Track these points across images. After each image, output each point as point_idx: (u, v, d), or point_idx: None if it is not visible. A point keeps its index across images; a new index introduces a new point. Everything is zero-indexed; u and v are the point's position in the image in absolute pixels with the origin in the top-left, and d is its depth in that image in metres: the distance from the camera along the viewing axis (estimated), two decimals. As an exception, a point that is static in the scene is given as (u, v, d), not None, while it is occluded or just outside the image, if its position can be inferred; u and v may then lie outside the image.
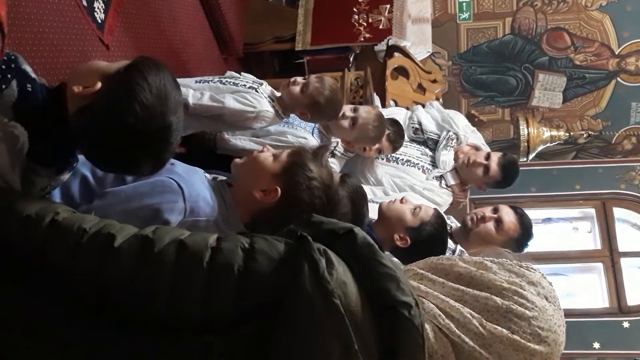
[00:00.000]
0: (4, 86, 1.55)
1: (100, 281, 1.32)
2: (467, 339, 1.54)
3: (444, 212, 3.77)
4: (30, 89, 1.61)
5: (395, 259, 2.83)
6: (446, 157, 3.94)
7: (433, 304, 1.58)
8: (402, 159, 3.93)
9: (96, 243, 1.36)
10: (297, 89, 3.07)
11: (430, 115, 4.14)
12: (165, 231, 1.38)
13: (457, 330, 1.54)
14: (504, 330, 1.54)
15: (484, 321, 1.54)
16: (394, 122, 3.76)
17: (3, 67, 1.56)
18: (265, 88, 3.17)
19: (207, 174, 2.14)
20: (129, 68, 1.60)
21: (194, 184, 1.96)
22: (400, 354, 1.33)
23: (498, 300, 1.56)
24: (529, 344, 1.54)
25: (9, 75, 1.57)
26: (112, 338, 1.32)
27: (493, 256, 1.71)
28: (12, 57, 1.61)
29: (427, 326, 1.51)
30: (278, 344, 1.27)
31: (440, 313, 1.56)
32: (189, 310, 1.30)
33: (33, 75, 1.64)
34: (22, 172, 1.61)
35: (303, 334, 1.26)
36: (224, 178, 2.21)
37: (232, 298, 1.29)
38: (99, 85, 1.58)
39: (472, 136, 4.17)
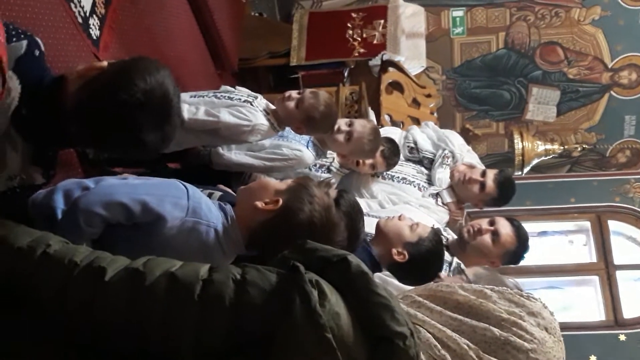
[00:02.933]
0: (15, 39, 1.59)
1: (91, 314, 1.31)
2: None
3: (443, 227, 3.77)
4: (37, 54, 1.66)
5: (393, 280, 2.83)
6: (442, 175, 3.93)
7: (430, 333, 1.55)
8: (398, 177, 3.93)
9: (87, 277, 1.35)
10: (292, 104, 3.07)
11: (425, 135, 4.15)
12: (156, 263, 1.37)
13: None
14: None
15: (481, 353, 1.52)
16: (390, 140, 3.77)
17: (20, 30, 1.63)
18: (260, 101, 3.17)
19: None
20: (126, 60, 1.71)
21: (197, 190, 1.98)
22: None
23: (496, 331, 1.54)
24: None
25: (22, 35, 1.62)
26: None
27: (493, 284, 1.69)
28: (29, 33, 1.67)
29: (422, 357, 1.49)
30: None
31: (437, 343, 1.54)
32: (181, 344, 1.29)
33: (43, 48, 1.69)
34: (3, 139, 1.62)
35: None
36: (220, 193, 2.21)
37: (223, 330, 1.28)
38: (105, 63, 1.66)
39: (467, 155, 4.17)
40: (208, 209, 1.95)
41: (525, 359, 1.53)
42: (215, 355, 1.28)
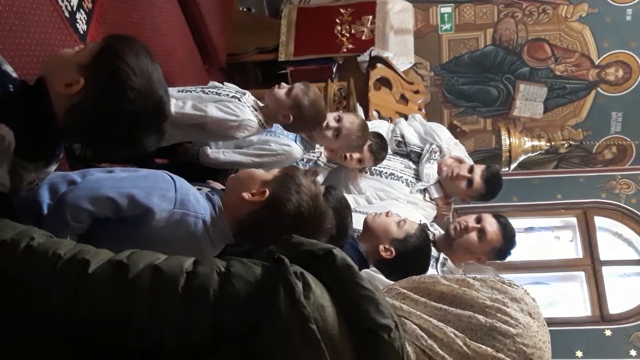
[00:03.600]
0: None
1: (74, 307, 1.31)
2: (451, 359, 1.53)
3: (430, 222, 3.79)
4: (12, 89, 1.63)
5: (380, 276, 2.83)
6: (430, 170, 3.95)
7: (416, 324, 1.56)
8: (386, 172, 3.94)
9: (70, 269, 1.34)
10: (282, 91, 3.07)
11: (412, 128, 4.16)
12: (140, 256, 1.37)
13: (440, 351, 1.52)
14: (488, 349, 1.52)
15: (468, 340, 1.53)
16: (377, 135, 3.77)
17: None
18: (248, 98, 3.16)
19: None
20: (105, 54, 1.63)
21: (184, 181, 1.98)
22: None
23: (481, 318, 1.55)
24: None
25: None
26: None
27: (475, 272, 1.71)
28: None
29: (409, 348, 1.49)
30: None
31: (423, 334, 1.54)
32: (165, 336, 1.28)
33: (14, 75, 1.66)
34: (10, 167, 1.62)
35: (278, 357, 1.25)
36: (208, 189, 2.21)
37: (208, 323, 1.28)
38: (82, 81, 1.60)
39: (455, 149, 4.19)
40: (196, 200, 1.96)
41: (512, 343, 1.54)
42: (199, 348, 1.28)
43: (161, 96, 1.68)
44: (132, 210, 1.81)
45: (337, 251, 1.38)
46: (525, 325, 1.56)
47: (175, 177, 1.95)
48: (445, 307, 1.59)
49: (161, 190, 1.86)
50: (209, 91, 3.14)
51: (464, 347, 1.52)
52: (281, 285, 1.27)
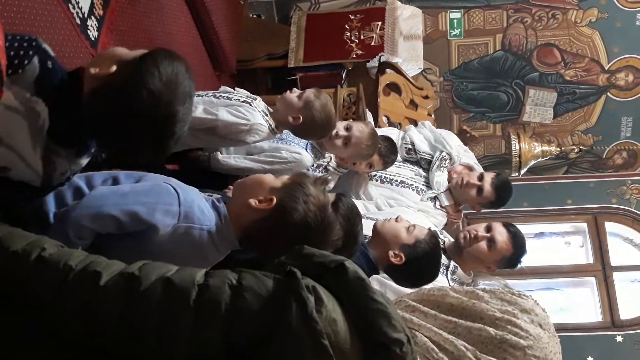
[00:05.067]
0: (26, 61, 1.58)
1: (85, 320, 1.31)
2: None
3: (440, 230, 3.78)
4: (51, 66, 1.64)
5: (390, 282, 2.82)
6: (440, 178, 3.94)
7: (426, 336, 1.55)
8: (396, 180, 3.94)
9: (82, 281, 1.34)
10: (293, 95, 3.09)
11: (422, 135, 4.16)
12: (152, 268, 1.37)
13: None
14: None
15: (479, 353, 1.52)
16: (387, 138, 3.77)
17: (24, 44, 1.60)
18: (259, 103, 3.17)
19: (200, 192, 2.14)
20: (145, 55, 1.65)
21: (189, 192, 1.97)
22: None
23: (492, 330, 1.54)
24: None
25: (30, 52, 1.60)
26: None
27: (484, 281, 1.70)
28: (33, 37, 1.65)
29: None
30: None
31: (434, 347, 1.53)
32: (176, 350, 1.28)
33: (52, 54, 1.67)
34: (43, 153, 1.63)
35: None
36: (218, 196, 2.21)
37: (219, 337, 1.28)
38: (114, 68, 1.62)
39: (464, 155, 4.19)
40: (201, 211, 1.94)
41: (522, 356, 1.53)
42: None
43: (176, 112, 1.63)
44: (135, 226, 1.81)
45: (349, 263, 1.37)
46: (535, 337, 1.55)
47: (180, 188, 1.93)
48: (455, 319, 1.58)
49: (164, 205, 1.85)
50: (220, 95, 3.15)
51: None
52: (293, 299, 1.26)
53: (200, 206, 1.96)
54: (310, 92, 3.05)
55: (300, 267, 1.31)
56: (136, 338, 1.29)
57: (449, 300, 1.62)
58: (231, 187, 3.18)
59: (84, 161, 1.80)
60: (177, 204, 1.88)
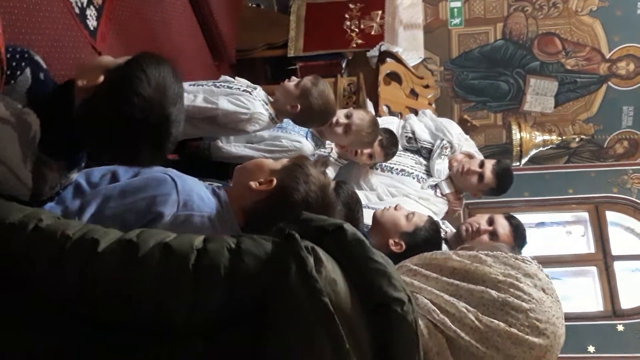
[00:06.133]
0: (18, 72, 1.59)
1: (83, 288, 1.30)
2: (462, 334, 1.50)
3: (440, 218, 3.78)
4: (43, 78, 1.66)
5: None
6: (440, 166, 3.94)
7: (427, 299, 1.54)
8: (397, 169, 3.94)
9: (80, 249, 1.33)
10: (291, 83, 3.09)
11: (423, 124, 4.15)
12: (150, 234, 1.36)
13: (452, 325, 1.51)
14: (500, 323, 1.50)
15: (480, 315, 1.51)
16: (388, 131, 3.77)
17: (17, 56, 1.62)
18: (259, 92, 3.17)
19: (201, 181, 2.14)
20: (130, 62, 1.65)
21: (187, 180, 1.98)
22: (394, 352, 1.30)
23: (494, 293, 1.53)
24: (527, 336, 1.51)
25: (23, 64, 1.61)
26: (94, 349, 1.29)
27: (488, 249, 1.69)
28: (25, 49, 1.66)
29: (420, 322, 1.48)
30: (267, 345, 1.24)
31: (435, 308, 1.52)
32: (175, 315, 1.27)
33: (44, 66, 1.68)
34: (33, 166, 1.63)
35: (292, 334, 1.24)
36: (219, 184, 2.21)
37: (218, 300, 1.27)
38: (102, 78, 1.62)
39: (465, 144, 4.18)
40: (200, 198, 1.95)
41: (525, 318, 1.52)
42: (210, 326, 1.27)
43: (169, 113, 1.64)
44: (139, 221, 1.82)
45: (348, 226, 1.36)
46: (538, 300, 1.54)
47: (178, 177, 1.94)
48: (457, 282, 1.57)
49: (163, 197, 1.86)
50: (221, 85, 3.15)
51: (476, 322, 1.51)
52: (292, 259, 1.25)
53: (200, 194, 1.97)
54: (307, 80, 3.05)
55: (299, 232, 1.30)
56: (135, 304, 1.28)
57: (452, 263, 1.61)
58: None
59: (74, 175, 1.81)
60: (176, 192, 1.88)
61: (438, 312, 1.52)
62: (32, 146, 1.59)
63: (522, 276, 1.57)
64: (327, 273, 1.26)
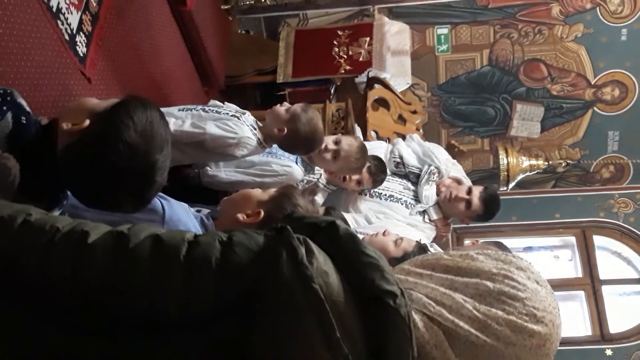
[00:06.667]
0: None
1: (73, 280, 1.28)
2: (461, 323, 1.48)
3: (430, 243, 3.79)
4: (24, 122, 1.64)
5: None
6: (428, 192, 3.96)
7: (422, 294, 1.52)
8: (385, 194, 3.95)
9: (69, 240, 1.30)
10: (282, 108, 3.09)
11: (411, 149, 4.17)
12: (141, 227, 1.34)
13: (449, 316, 1.49)
14: (498, 311, 1.48)
15: (477, 304, 1.48)
16: (377, 158, 3.78)
17: None
18: (248, 117, 3.17)
19: (190, 208, 2.14)
20: (116, 106, 1.62)
21: (177, 210, 1.96)
22: (387, 346, 1.29)
23: (489, 284, 1.50)
24: (526, 324, 1.49)
25: (4, 107, 1.60)
26: (88, 342, 1.27)
27: (478, 249, 1.68)
28: (8, 92, 1.65)
29: (415, 316, 1.47)
30: (258, 334, 1.23)
31: (430, 301, 1.49)
32: (167, 307, 1.25)
33: (28, 108, 1.66)
34: None
35: (282, 322, 1.23)
36: (208, 210, 2.21)
37: (210, 291, 1.25)
38: (87, 123, 1.60)
39: (453, 169, 4.21)
40: (186, 229, 1.94)
41: (522, 306, 1.49)
42: (202, 317, 1.26)
43: (155, 161, 1.61)
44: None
45: (340, 222, 1.36)
46: (533, 290, 1.52)
47: (169, 205, 1.93)
48: (451, 276, 1.55)
49: (148, 223, 1.85)
50: (209, 109, 3.16)
51: (474, 311, 1.48)
52: (283, 248, 1.25)
53: (187, 224, 1.96)
54: (297, 106, 3.06)
55: (292, 228, 1.30)
56: (126, 296, 1.26)
57: (444, 262, 1.60)
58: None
59: (56, 214, 1.76)
60: (161, 222, 1.87)
61: (434, 304, 1.50)
62: (10, 190, 1.56)
63: (515, 269, 1.56)
64: (318, 264, 1.25)
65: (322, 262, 1.27)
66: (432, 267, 1.61)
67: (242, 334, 1.24)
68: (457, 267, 1.58)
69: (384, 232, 2.96)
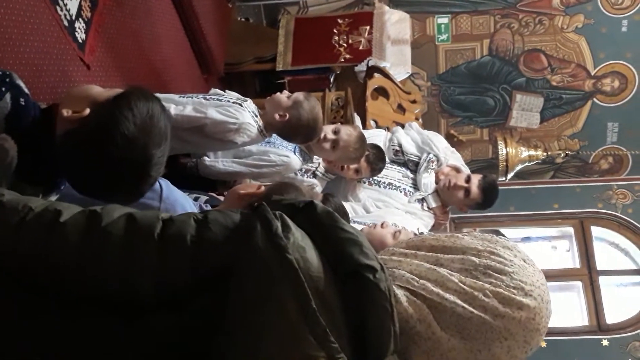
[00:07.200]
0: None
1: (45, 259, 1.26)
2: (446, 295, 1.45)
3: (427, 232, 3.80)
4: (23, 103, 1.63)
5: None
6: (427, 180, 3.97)
7: (406, 270, 1.50)
8: (384, 182, 3.96)
9: (42, 220, 1.28)
10: (283, 95, 3.09)
11: (410, 137, 4.17)
12: (114, 207, 1.33)
13: (434, 289, 1.46)
14: (485, 284, 1.46)
15: (463, 278, 1.45)
16: (375, 146, 3.78)
17: None
18: (250, 104, 3.15)
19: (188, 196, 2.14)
20: (118, 97, 1.61)
21: (174, 191, 1.96)
22: (368, 322, 1.27)
23: (475, 259, 1.47)
24: (514, 296, 1.46)
25: (3, 89, 1.59)
26: (63, 324, 1.26)
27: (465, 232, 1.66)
28: (7, 73, 1.64)
29: (398, 291, 1.45)
30: (231, 307, 1.22)
31: (414, 276, 1.45)
32: (141, 285, 1.24)
33: (27, 91, 1.66)
34: (9, 189, 1.59)
35: (256, 294, 1.21)
36: (206, 198, 2.21)
37: (185, 269, 1.24)
38: (87, 111, 1.59)
39: (451, 157, 4.21)
40: (184, 211, 1.95)
41: (509, 280, 1.46)
42: (177, 295, 1.24)
43: (152, 155, 1.60)
44: None
45: (318, 202, 1.35)
46: (520, 266, 1.49)
47: (166, 186, 1.93)
48: (436, 254, 1.53)
49: (145, 199, 1.84)
50: (211, 97, 3.14)
51: (460, 284, 1.46)
52: (258, 222, 1.24)
53: (184, 206, 1.96)
54: (300, 94, 3.06)
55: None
56: (99, 275, 1.24)
57: (429, 242, 1.57)
58: (219, 191, 3.18)
59: (53, 198, 1.76)
60: (158, 199, 1.87)
61: (417, 279, 1.46)
62: (8, 172, 1.56)
63: (501, 247, 1.54)
64: (295, 239, 1.24)
65: (298, 237, 1.25)
66: (417, 247, 1.59)
67: (219, 309, 1.22)
68: (442, 246, 1.55)
69: (382, 224, 2.96)
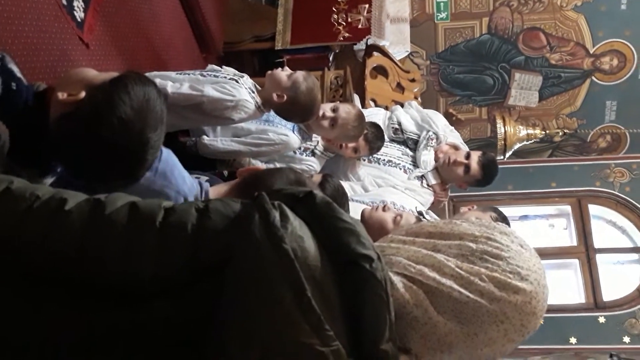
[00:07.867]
0: None
1: (49, 247, 1.27)
2: (443, 280, 1.47)
3: (426, 210, 3.82)
4: (14, 88, 1.62)
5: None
6: (427, 157, 3.98)
7: (403, 257, 1.51)
8: (384, 160, 3.97)
9: (47, 207, 1.30)
10: (283, 73, 3.08)
11: (409, 115, 4.18)
12: (119, 196, 1.34)
13: (431, 274, 1.47)
14: (481, 269, 1.48)
15: (460, 263, 1.48)
16: (374, 125, 3.79)
17: None
18: (246, 80, 3.14)
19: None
20: (114, 81, 1.61)
21: (174, 159, 1.97)
22: (364, 310, 1.29)
23: (472, 244, 1.49)
24: (510, 280, 1.48)
25: None
26: (64, 313, 1.28)
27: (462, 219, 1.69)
28: (0, 56, 1.62)
29: (395, 278, 1.47)
30: (226, 296, 1.24)
31: (410, 262, 1.49)
32: (142, 271, 1.26)
33: (19, 75, 1.65)
34: (3, 172, 1.59)
35: (250, 281, 1.23)
36: (206, 178, 2.22)
37: (185, 257, 1.26)
38: (83, 94, 1.59)
39: (451, 135, 4.22)
40: (182, 178, 1.96)
41: (505, 264, 1.48)
42: (176, 283, 1.27)
43: (148, 139, 1.60)
44: None
45: (318, 192, 1.37)
46: (517, 251, 1.51)
47: (167, 151, 1.93)
48: (433, 240, 1.55)
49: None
50: (207, 74, 3.14)
51: (456, 269, 1.47)
52: (256, 212, 1.26)
53: (182, 175, 1.97)
54: (300, 74, 3.05)
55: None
56: (100, 260, 1.26)
57: (427, 229, 1.60)
58: (219, 171, 3.19)
59: (49, 181, 1.76)
60: (158, 159, 1.87)
61: (414, 265, 1.48)
62: (0, 156, 1.57)
63: (498, 233, 1.56)
64: (293, 229, 1.26)
65: (297, 227, 1.27)
66: (415, 234, 1.61)
67: (216, 296, 1.24)
68: (440, 232, 1.57)
69: (384, 206, 2.96)
